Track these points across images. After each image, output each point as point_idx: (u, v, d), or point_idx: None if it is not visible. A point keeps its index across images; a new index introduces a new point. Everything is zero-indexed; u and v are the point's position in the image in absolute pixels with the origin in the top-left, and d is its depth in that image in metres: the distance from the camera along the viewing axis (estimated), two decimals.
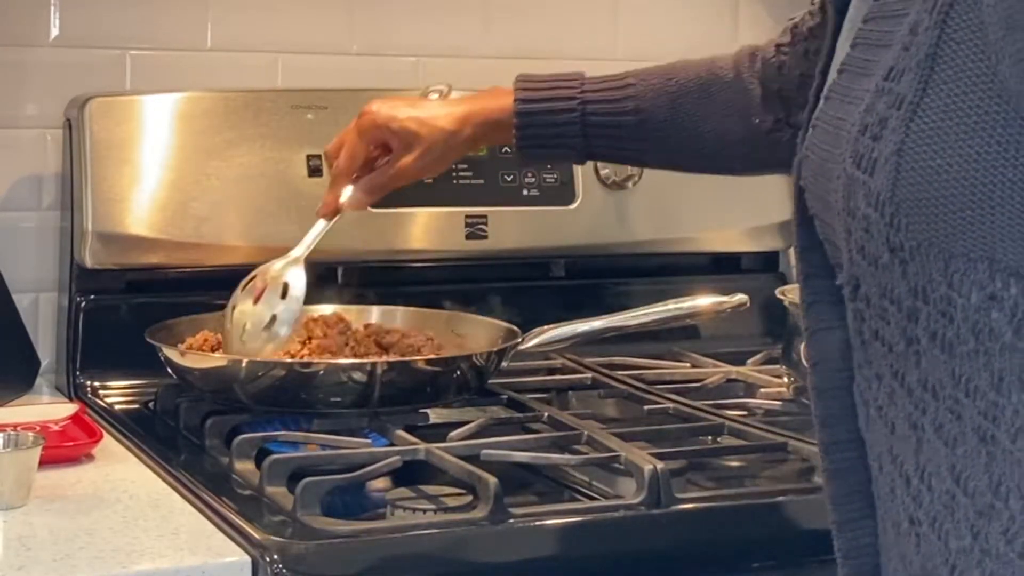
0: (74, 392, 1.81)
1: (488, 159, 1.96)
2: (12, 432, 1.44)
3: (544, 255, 2.04)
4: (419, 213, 1.94)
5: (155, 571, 1.24)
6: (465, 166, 1.94)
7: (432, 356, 1.69)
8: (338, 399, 1.60)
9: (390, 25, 2.07)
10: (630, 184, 2.03)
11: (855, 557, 0.96)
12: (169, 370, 1.66)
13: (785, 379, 1.82)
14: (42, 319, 1.92)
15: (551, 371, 1.91)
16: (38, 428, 1.54)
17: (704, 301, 1.80)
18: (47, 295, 1.93)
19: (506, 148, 1.79)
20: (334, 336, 1.69)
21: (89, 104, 1.82)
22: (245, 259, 1.83)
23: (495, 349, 1.70)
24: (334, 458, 1.49)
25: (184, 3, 1.98)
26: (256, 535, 1.29)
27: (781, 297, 1.77)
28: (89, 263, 1.81)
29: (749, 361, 1.95)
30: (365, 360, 1.64)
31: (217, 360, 1.62)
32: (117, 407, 1.76)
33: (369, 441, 1.56)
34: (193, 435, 1.62)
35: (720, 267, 2.15)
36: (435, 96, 1.64)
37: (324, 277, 1.87)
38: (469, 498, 1.42)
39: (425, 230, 1.95)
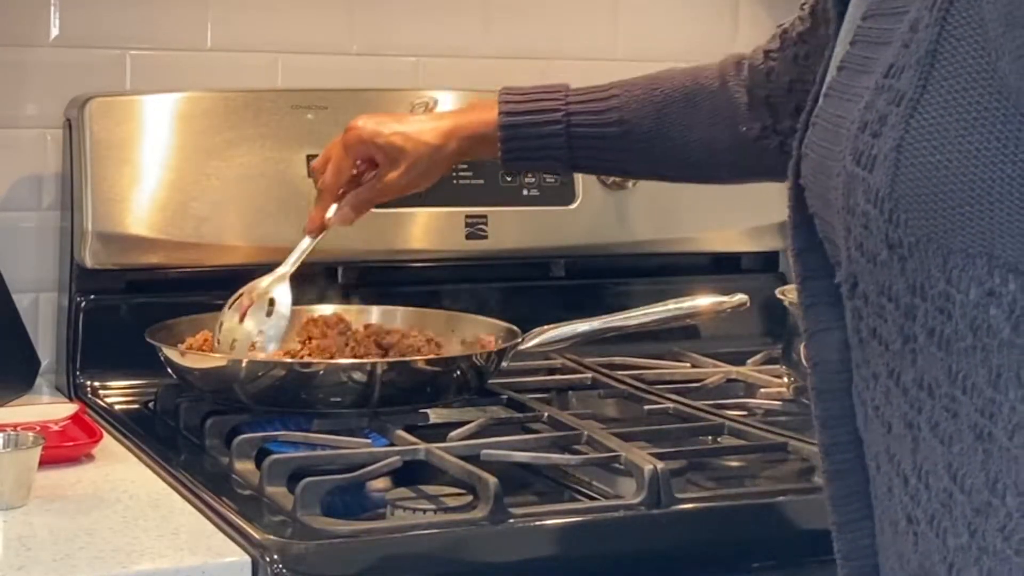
0: (74, 392, 1.81)
1: (488, 159, 1.95)
2: (12, 432, 1.44)
3: (544, 255, 2.04)
4: (419, 213, 1.94)
5: (155, 571, 1.24)
6: (465, 166, 1.93)
7: (432, 356, 1.69)
8: (338, 399, 1.60)
9: (390, 25, 2.07)
10: (630, 184, 2.03)
11: (855, 558, 0.96)
12: (169, 370, 1.66)
13: (785, 379, 1.82)
14: (42, 319, 1.92)
15: (551, 371, 1.91)
16: (38, 428, 1.54)
17: (704, 301, 1.80)
18: (47, 295, 1.93)
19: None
20: (334, 336, 1.69)
21: (89, 104, 1.82)
22: (245, 259, 1.83)
23: (495, 349, 1.70)
24: (334, 458, 1.49)
25: (184, 3, 1.98)
26: (256, 535, 1.29)
27: (781, 297, 1.77)
28: (89, 263, 1.81)
29: (749, 361, 1.95)
30: (365, 360, 1.64)
31: (217, 360, 1.62)
32: (117, 407, 1.76)
33: (369, 441, 1.56)
34: (193, 435, 1.62)
35: (720, 267, 2.15)
36: (420, 110, 1.65)
37: (324, 277, 1.87)
38: (469, 498, 1.41)
39: (425, 230, 1.95)
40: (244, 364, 1.59)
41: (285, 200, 1.87)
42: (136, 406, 1.77)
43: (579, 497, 1.50)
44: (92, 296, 1.84)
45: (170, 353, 1.65)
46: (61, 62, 1.92)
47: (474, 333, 1.78)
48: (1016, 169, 0.80)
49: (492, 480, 1.36)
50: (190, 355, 1.65)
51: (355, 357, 1.66)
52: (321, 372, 1.60)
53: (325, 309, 1.80)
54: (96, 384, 1.81)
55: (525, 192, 1.99)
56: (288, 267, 1.63)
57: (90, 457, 1.54)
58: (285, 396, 1.59)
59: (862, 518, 0.95)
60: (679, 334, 2.01)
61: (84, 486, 1.45)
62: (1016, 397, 0.82)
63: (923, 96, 0.84)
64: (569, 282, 2.06)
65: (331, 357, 1.65)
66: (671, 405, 1.73)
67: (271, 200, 1.87)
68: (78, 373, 1.82)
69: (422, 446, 1.49)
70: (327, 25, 2.05)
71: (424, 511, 1.40)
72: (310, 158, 1.88)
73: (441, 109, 1.71)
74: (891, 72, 0.86)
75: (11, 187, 1.91)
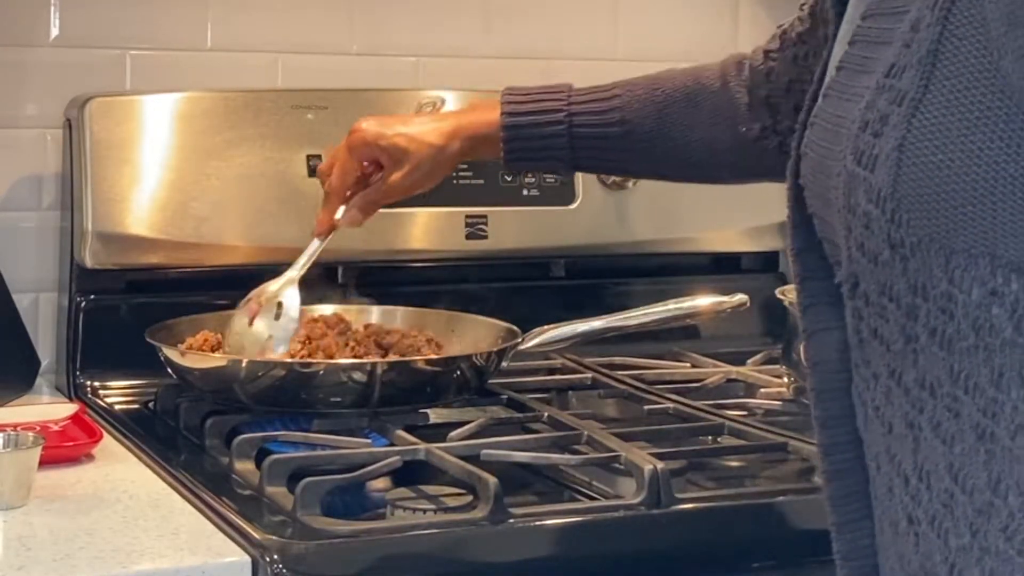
0: (74, 392, 1.81)
1: (490, 159, 1.95)
2: (12, 432, 1.44)
3: (544, 255, 2.04)
4: (419, 213, 1.94)
5: (155, 571, 1.24)
6: (465, 166, 1.93)
7: (432, 356, 1.69)
8: (338, 399, 1.60)
9: (390, 25, 2.07)
10: (630, 184, 2.03)
11: (854, 559, 0.96)
12: (169, 370, 1.66)
13: (785, 379, 1.82)
14: (42, 319, 1.92)
15: (551, 371, 1.91)
16: (38, 428, 1.54)
17: (704, 301, 1.80)
18: (47, 295, 1.92)
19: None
20: (334, 336, 1.69)
21: (89, 104, 1.82)
22: (245, 259, 1.83)
23: (495, 349, 1.69)
24: (334, 458, 1.49)
25: (184, 3, 1.98)
26: (256, 535, 1.29)
27: (781, 297, 1.77)
28: (89, 263, 1.81)
29: (749, 361, 1.95)
30: (365, 360, 1.64)
31: (217, 360, 1.62)
32: (117, 407, 1.76)
33: (369, 441, 1.56)
34: (193, 435, 1.62)
35: (720, 267, 2.15)
36: (428, 110, 1.65)
37: (324, 277, 1.87)
38: (469, 498, 1.41)
39: (425, 230, 1.95)
40: (244, 364, 1.59)
41: (285, 200, 1.87)
42: (136, 406, 1.77)
43: (579, 497, 1.50)
44: (92, 296, 1.84)
45: (170, 353, 1.65)
46: (61, 62, 1.92)
47: (474, 333, 1.78)
48: (1019, 169, 0.80)
49: (492, 480, 1.36)
50: (190, 355, 1.65)
51: (355, 357, 1.66)
52: (321, 372, 1.60)
53: (325, 309, 1.79)
54: (96, 384, 1.81)
55: (525, 192, 1.99)
56: (297, 271, 1.64)
57: (90, 457, 1.54)
58: (285, 396, 1.59)
59: (862, 518, 0.95)
60: (679, 334, 2.01)
61: (84, 486, 1.45)
62: (1018, 397, 0.82)
63: (925, 96, 0.84)
64: (569, 282, 2.06)
65: (331, 357, 1.65)
66: (671, 405, 1.72)
67: (271, 200, 1.87)
68: (78, 373, 1.82)
69: (422, 446, 1.49)
70: (327, 25, 2.04)
71: (424, 511, 1.40)
72: (310, 158, 1.88)
73: (445, 109, 1.71)
74: (892, 72, 0.86)
75: (11, 187, 1.91)
